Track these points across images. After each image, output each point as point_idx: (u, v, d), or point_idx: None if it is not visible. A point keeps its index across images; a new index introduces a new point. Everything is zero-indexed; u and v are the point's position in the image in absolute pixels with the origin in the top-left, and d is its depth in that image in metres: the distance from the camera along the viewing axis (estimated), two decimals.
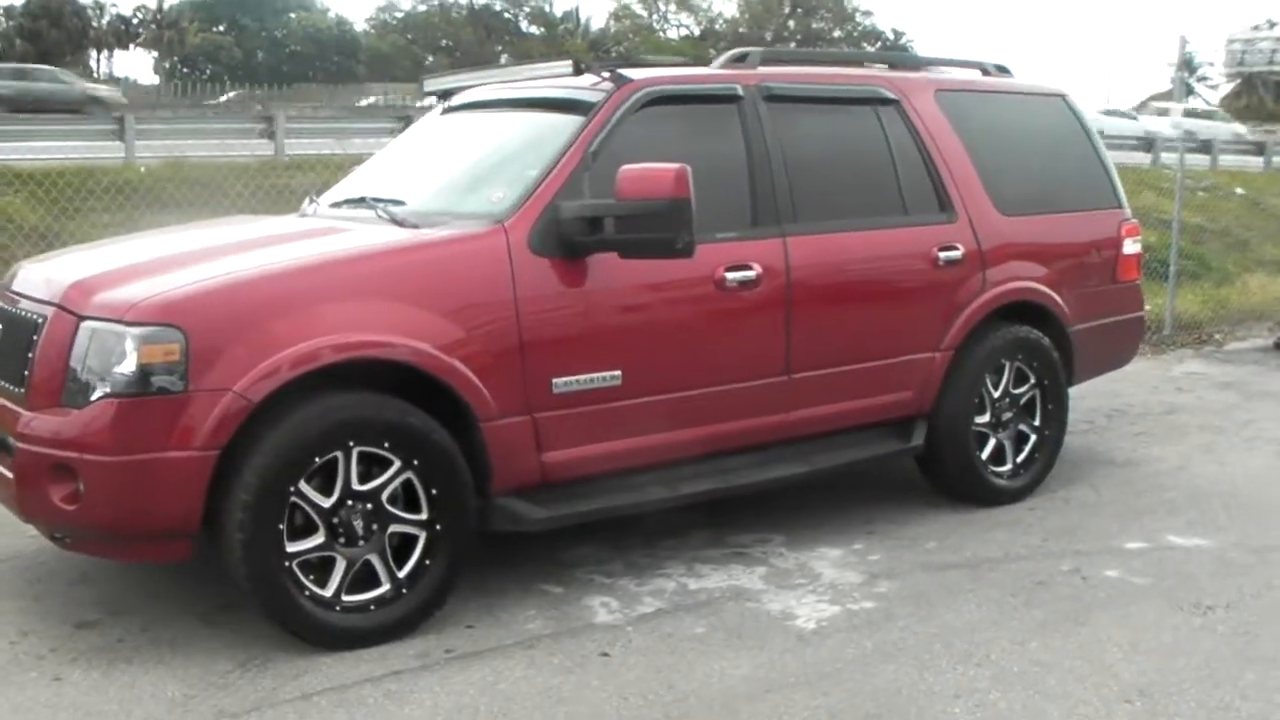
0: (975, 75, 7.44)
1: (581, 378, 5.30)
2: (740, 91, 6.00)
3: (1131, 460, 7.89)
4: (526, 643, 4.94)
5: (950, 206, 6.57)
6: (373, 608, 4.87)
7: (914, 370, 6.41)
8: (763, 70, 6.22)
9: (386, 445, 4.81)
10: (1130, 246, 7.52)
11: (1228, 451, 8.16)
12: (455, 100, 6.68)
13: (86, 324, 4.65)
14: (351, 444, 4.75)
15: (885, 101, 6.54)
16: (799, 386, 5.98)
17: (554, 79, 5.98)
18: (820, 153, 6.22)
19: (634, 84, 5.69)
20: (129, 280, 4.82)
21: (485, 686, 4.54)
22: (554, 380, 5.23)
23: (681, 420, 5.62)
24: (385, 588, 4.89)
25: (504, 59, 69.85)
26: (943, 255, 6.44)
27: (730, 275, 5.67)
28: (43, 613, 5.23)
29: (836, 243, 6.11)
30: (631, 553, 5.99)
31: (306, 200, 6.49)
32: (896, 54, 7.51)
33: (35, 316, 4.90)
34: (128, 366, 4.49)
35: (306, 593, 4.73)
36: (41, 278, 5.16)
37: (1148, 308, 12.82)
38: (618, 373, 5.38)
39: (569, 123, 5.57)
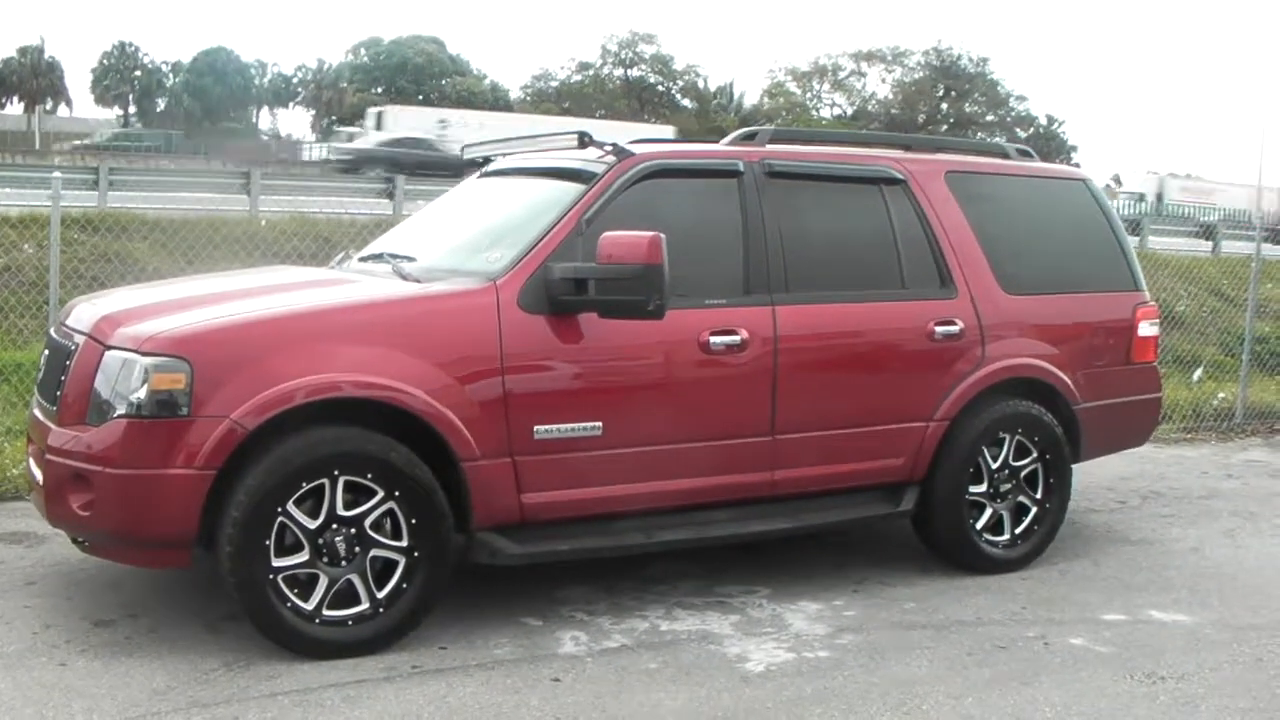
0: (995, 159, 7.72)
1: (562, 426, 5.73)
2: (741, 167, 6.42)
3: (1147, 539, 8.05)
4: (488, 665, 5.37)
5: (951, 283, 6.87)
6: (350, 623, 5.35)
7: (906, 438, 6.71)
8: (769, 148, 6.62)
9: (370, 476, 5.31)
10: (1146, 329, 7.71)
11: (1250, 536, 8.27)
12: (489, 167, 7.21)
13: (110, 353, 5.26)
14: (337, 473, 5.26)
15: (891, 181, 6.89)
16: (783, 447, 6.33)
17: (566, 150, 6.46)
18: (819, 227, 6.59)
19: (635, 157, 6.14)
20: (151, 316, 5.42)
21: (435, 699, 4.99)
22: (535, 427, 5.67)
23: (661, 472, 6.01)
24: (364, 606, 5.37)
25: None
26: (939, 329, 6.75)
27: (715, 339, 6.06)
28: (69, 610, 5.84)
29: (827, 313, 6.47)
30: (621, 595, 6.38)
31: (341, 254, 7.05)
32: (915, 137, 7.87)
33: (71, 345, 5.52)
34: (140, 391, 5.07)
35: (289, 604, 5.23)
36: (84, 312, 5.77)
37: (1221, 395, 12.98)
38: (598, 424, 5.80)
39: (571, 190, 6.06)
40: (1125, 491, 9.48)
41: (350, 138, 51.50)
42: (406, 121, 52.89)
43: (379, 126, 53.30)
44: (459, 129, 48.99)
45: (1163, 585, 7.03)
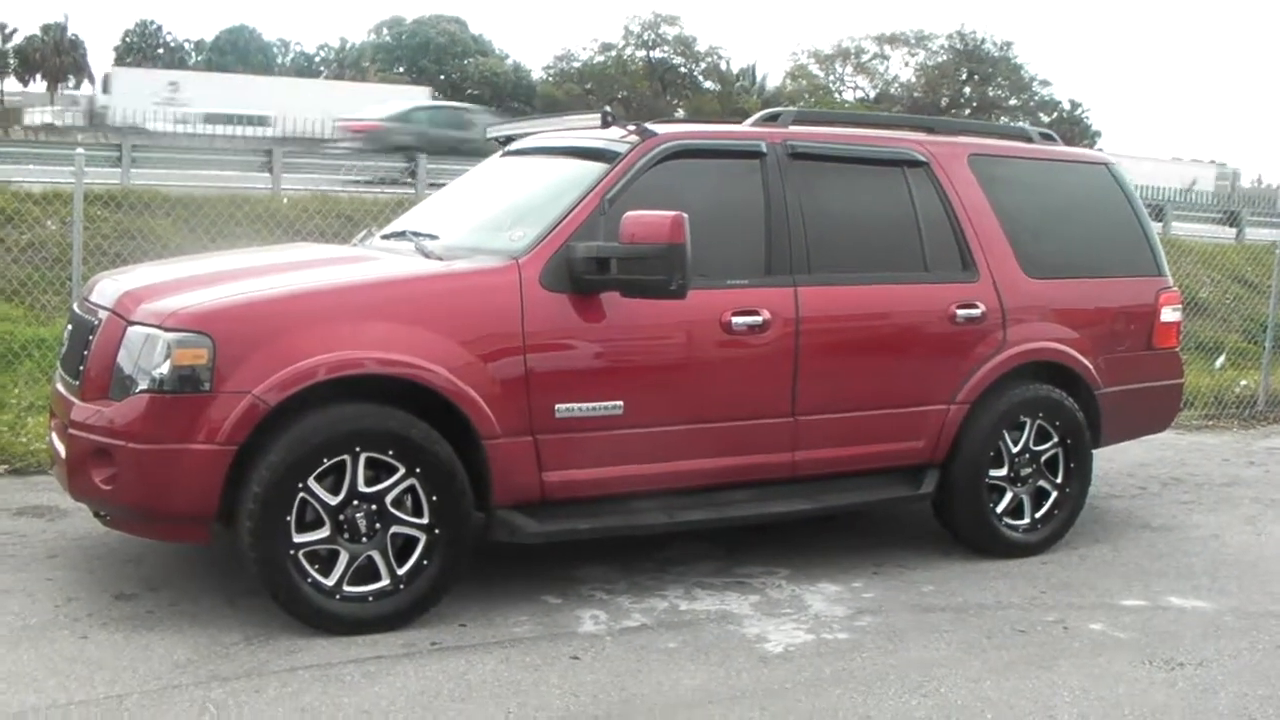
0: (1018, 142, 7.70)
1: (584, 405, 5.74)
2: (764, 148, 6.41)
3: (1167, 526, 8.03)
4: (507, 643, 5.39)
5: (973, 266, 6.86)
6: (371, 599, 5.37)
7: (927, 420, 6.71)
8: (791, 129, 6.61)
9: (391, 453, 5.32)
10: (1169, 314, 7.69)
11: (1272, 524, 8.25)
12: (512, 146, 7.21)
13: (132, 328, 5.27)
14: (358, 449, 5.27)
15: (914, 163, 6.87)
16: (804, 428, 6.33)
17: (590, 130, 6.45)
18: (841, 209, 6.58)
19: (658, 137, 6.14)
20: (173, 292, 5.44)
21: (455, 675, 5.01)
22: (557, 406, 5.67)
23: (682, 452, 6.02)
24: (385, 582, 5.39)
25: (679, 113, 70.73)
26: (961, 312, 6.74)
27: (737, 319, 6.06)
28: (91, 584, 5.87)
29: (849, 294, 6.47)
30: (640, 575, 6.39)
31: (364, 232, 7.06)
32: (938, 120, 7.85)
33: (94, 320, 5.54)
34: (162, 366, 5.08)
35: (309, 580, 5.26)
36: (107, 288, 5.79)
37: (1244, 383, 12.94)
38: (620, 403, 5.81)
39: (594, 170, 6.06)
40: (1146, 478, 9.46)
41: (75, 101, 49.41)
42: (130, 83, 50.65)
43: (106, 90, 51.17)
44: (192, 92, 47.70)
45: (1183, 572, 7.01)
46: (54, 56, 79.53)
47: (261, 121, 37.70)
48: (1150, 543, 7.59)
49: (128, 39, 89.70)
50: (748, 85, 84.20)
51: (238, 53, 79.22)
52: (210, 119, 32.48)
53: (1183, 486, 9.28)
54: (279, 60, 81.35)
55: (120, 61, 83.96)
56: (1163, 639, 5.89)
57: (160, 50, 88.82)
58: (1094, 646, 5.74)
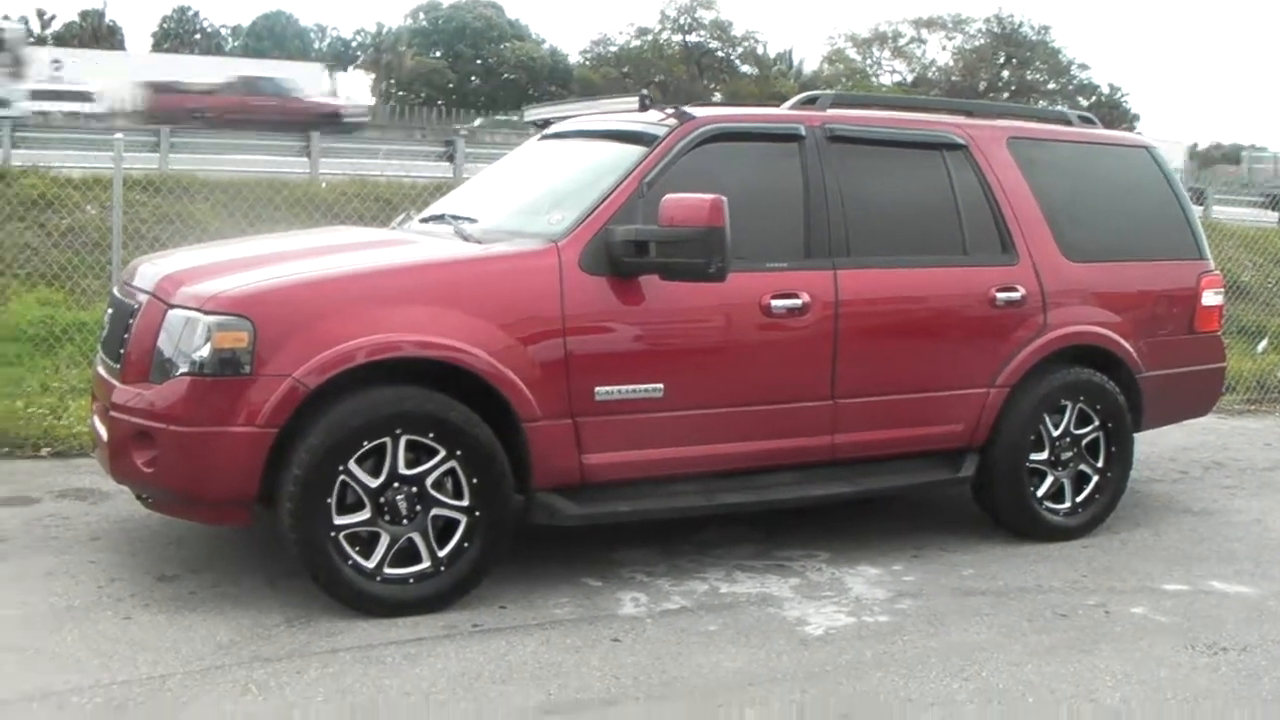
0: (1057, 125, 7.65)
1: (624, 388, 5.74)
2: (803, 131, 6.39)
3: (1209, 510, 7.97)
4: (548, 625, 5.40)
5: (1013, 249, 6.82)
6: (411, 581, 5.38)
7: (966, 404, 6.68)
8: (830, 112, 6.59)
9: (431, 435, 5.33)
10: (1210, 298, 7.63)
11: None
12: (549, 129, 7.21)
13: (173, 311, 5.30)
14: (399, 432, 5.29)
15: (953, 146, 6.84)
16: (843, 411, 6.32)
17: (628, 113, 6.44)
18: (880, 192, 6.56)
19: (696, 121, 6.13)
20: (214, 275, 5.46)
21: (495, 657, 5.02)
22: (596, 388, 5.68)
23: (721, 434, 6.02)
24: (425, 564, 5.41)
25: (716, 97, 70.57)
26: (1001, 296, 6.70)
27: (776, 302, 6.05)
28: (134, 565, 5.93)
29: (888, 278, 6.44)
30: (680, 558, 6.40)
31: (402, 215, 7.08)
32: (977, 103, 7.79)
33: (135, 304, 5.57)
34: (203, 349, 5.11)
35: (350, 562, 5.27)
36: (147, 271, 5.82)
37: None
38: (659, 386, 5.81)
39: (632, 153, 6.05)
40: (1187, 462, 9.40)
41: None
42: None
43: None
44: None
45: (1225, 556, 6.96)
46: (92, 43, 79.94)
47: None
48: (1192, 527, 7.53)
49: (165, 25, 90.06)
50: (785, 69, 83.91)
51: (274, 38, 79.43)
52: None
53: (1225, 471, 9.21)
54: (316, 45, 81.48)
55: (157, 48, 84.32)
56: (1205, 623, 5.84)
57: (197, 36, 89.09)
58: (1135, 630, 5.71)
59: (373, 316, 5.27)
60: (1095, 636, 5.60)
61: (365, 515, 5.29)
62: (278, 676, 4.73)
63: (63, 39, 77.48)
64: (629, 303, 5.74)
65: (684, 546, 6.55)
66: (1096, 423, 7.11)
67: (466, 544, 5.45)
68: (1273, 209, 24.84)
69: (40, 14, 78.87)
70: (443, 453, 5.36)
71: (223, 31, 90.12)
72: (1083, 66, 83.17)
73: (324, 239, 6.64)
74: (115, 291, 6.13)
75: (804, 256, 6.23)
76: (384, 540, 5.34)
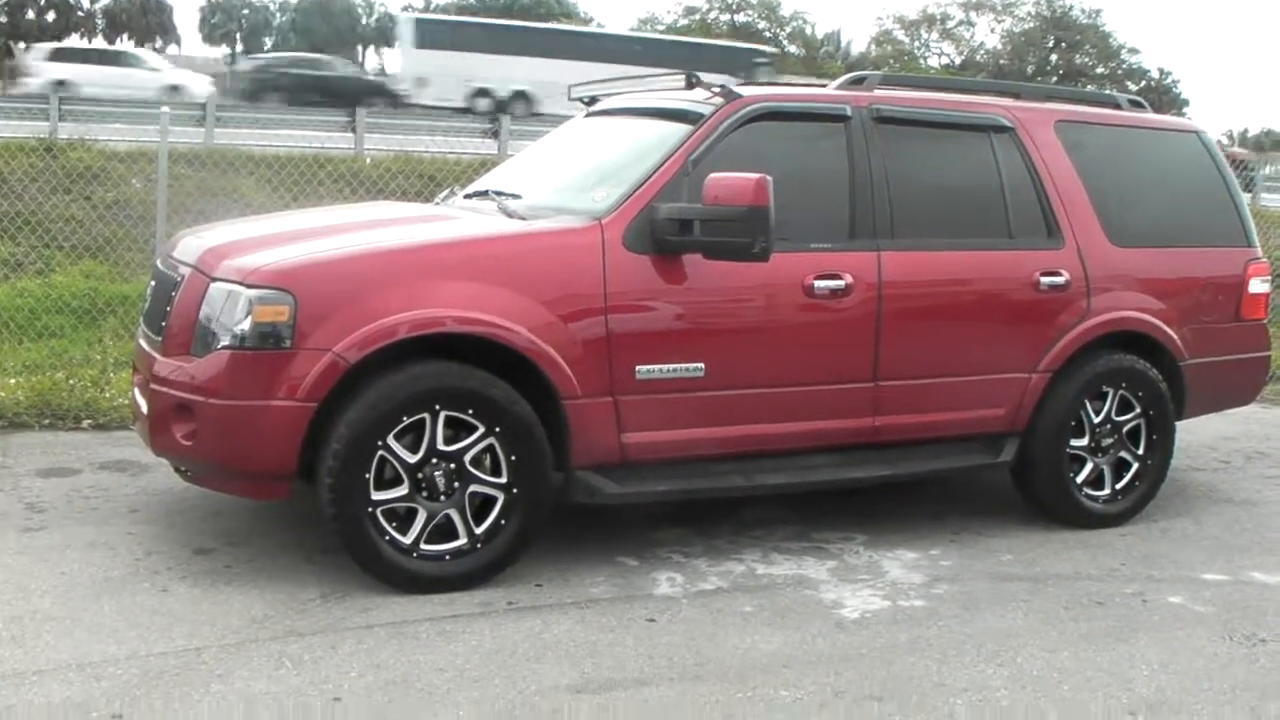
0: (1106, 109, 7.57)
1: (665, 367, 5.73)
2: (849, 112, 6.35)
3: (1251, 500, 7.89)
4: (583, 603, 5.41)
5: (1058, 233, 6.77)
6: (448, 558, 5.40)
7: (1008, 388, 6.63)
8: (877, 93, 6.54)
9: (470, 412, 5.34)
10: (1257, 286, 7.55)
11: None
12: (595, 106, 7.20)
13: (215, 284, 5.32)
14: (438, 408, 5.30)
15: (1000, 129, 6.78)
16: (885, 394, 6.29)
17: (674, 91, 6.42)
18: (926, 174, 6.51)
19: (742, 100, 6.10)
20: (255, 249, 5.47)
21: (530, 635, 5.03)
22: (638, 367, 5.67)
23: (763, 415, 6.00)
24: (462, 541, 5.42)
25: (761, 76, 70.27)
26: (1045, 280, 6.65)
27: (820, 283, 6.02)
28: (171, 538, 5.97)
29: (932, 260, 6.40)
30: (717, 538, 6.39)
31: (446, 191, 7.08)
32: (1025, 85, 7.70)
33: (177, 276, 5.60)
34: (244, 323, 5.12)
35: (387, 537, 5.29)
36: (190, 244, 5.85)
37: None
38: (701, 365, 5.79)
39: (678, 131, 6.03)
40: (1229, 451, 9.30)
41: None
42: None
43: None
44: None
45: (1266, 547, 6.89)
46: (140, 18, 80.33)
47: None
48: (1233, 517, 7.46)
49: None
50: (832, 50, 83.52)
51: (322, 13, 79.56)
52: None
53: (1267, 461, 9.11)
54: (363, 21, 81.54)
55: (204, 24, 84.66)
56: (1244, 614, 5.79)
57: (245, 11, 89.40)
58: (1173, 620, 5.67)
59: (414, 292, 5.27)
60: (1132, 625, 5.56)
61: (403, 491, 5.31)
62: (312, 651, 4.76)
63: (111, 14, 77.86)
64: (672, 281, 5.73)
65: (721, 527, 6.55)
66: (1138, 409, 7.04)
67: (504, 521, 5.46)
68: None
69: None
70: (482, 429, 5.37)
71: (270, 6, 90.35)
72: (1133, 51, 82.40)
73: (366, 214, 6.65)
74: (158, 264, 6.16)
75: (848, 237, 6.20)
76: (421, 516, 5.35)
